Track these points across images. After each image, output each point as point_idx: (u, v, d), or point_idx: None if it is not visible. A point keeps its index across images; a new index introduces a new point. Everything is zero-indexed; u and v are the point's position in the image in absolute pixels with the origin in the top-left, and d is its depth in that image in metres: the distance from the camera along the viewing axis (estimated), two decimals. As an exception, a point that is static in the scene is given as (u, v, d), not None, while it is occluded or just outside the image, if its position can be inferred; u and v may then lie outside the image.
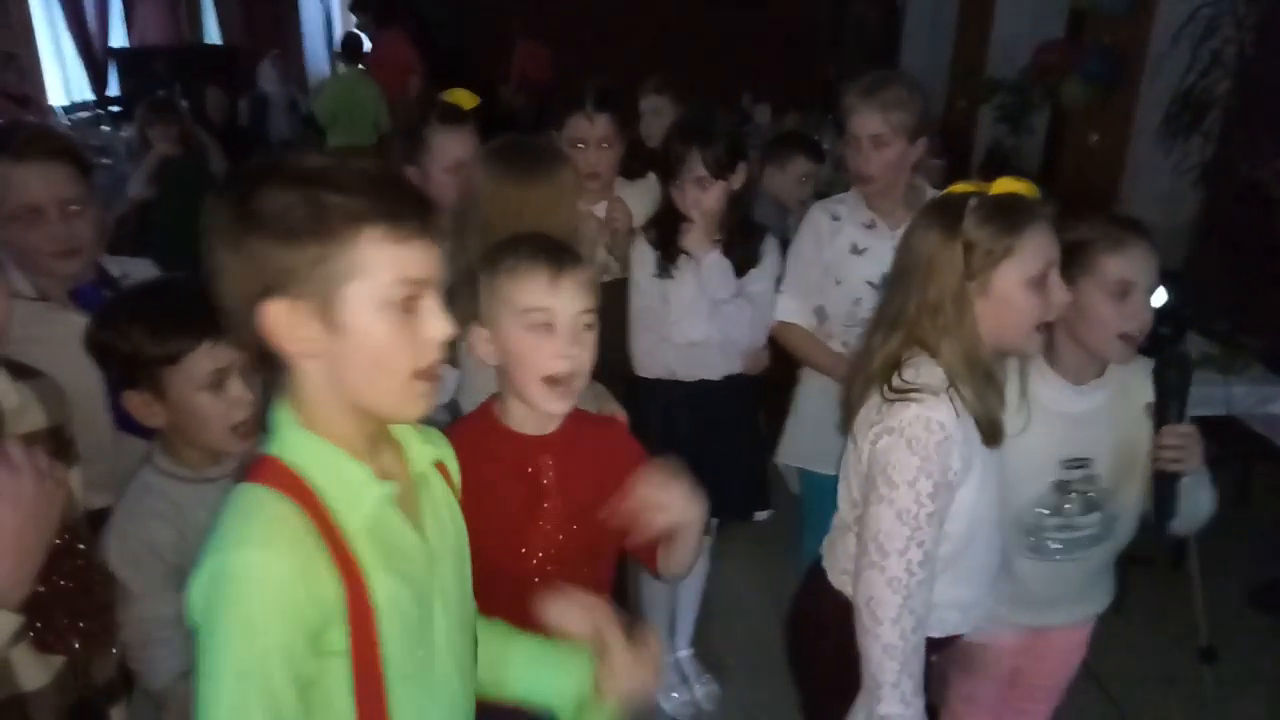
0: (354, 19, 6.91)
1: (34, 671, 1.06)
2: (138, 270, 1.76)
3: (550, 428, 1.35)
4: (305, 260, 0.83)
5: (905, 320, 1.41)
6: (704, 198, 2.08)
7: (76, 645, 1.12)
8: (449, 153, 2.02)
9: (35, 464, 1.00)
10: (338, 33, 8.84)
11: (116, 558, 1.25)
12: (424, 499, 1.02)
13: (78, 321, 1.43)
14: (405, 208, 0.86)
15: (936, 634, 1.44)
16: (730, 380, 2.26)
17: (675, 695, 2.55)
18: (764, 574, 2.94)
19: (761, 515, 2.39)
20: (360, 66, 6.01)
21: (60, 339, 1.40)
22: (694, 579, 2.47)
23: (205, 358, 1.25)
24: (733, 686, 2.60)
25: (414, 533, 0.97)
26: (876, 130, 2.00)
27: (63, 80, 7.47)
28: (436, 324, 0.89)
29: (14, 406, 1.08)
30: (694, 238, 2.12)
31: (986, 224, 1.36)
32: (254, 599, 0.83)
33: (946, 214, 1.40)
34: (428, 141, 2.04)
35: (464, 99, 2.06)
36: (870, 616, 1.36)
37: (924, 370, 1.37)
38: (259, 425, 1.23)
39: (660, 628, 2.43)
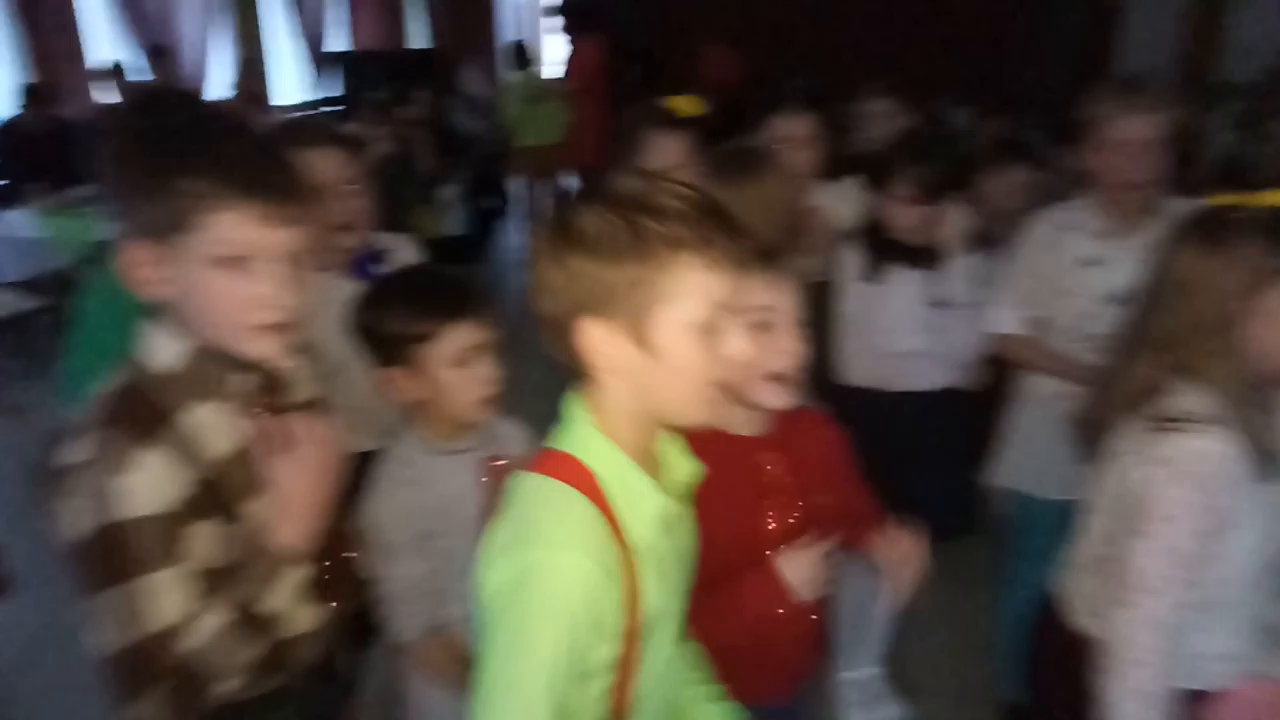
0: (543, 24, 7.18)
1: (304, 618, 1.13)
2: (398, 245, 1.90)
3: (764, 427, 1.35)
4: (623, 281, 0.86)
5: (1167, 342, 1.31)
6: (909, 215, 2.02)
7: (338, 596, 1.20)
8: (664, 157, 2.05)
9: (318, 432, 1.09)
10: (529, 38, 9.19)
11: (375, 520, 1.36)
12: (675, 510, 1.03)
13: (351, 289, 1.56)
14: (719, 235, 0.88)
15: (1198, 686, 1.33)
16: (942, 393, 2.17)
17: (862, 714, 2.48)
18: (962, 596, 2.81)
19: (965, 538, 2.28)
20: (534, 71, 6.24)
21: (338, 305, 1.52)
22: (887, 595, 2.40)
23: (457, 336, 1.34)
24: (923, 710, 2.50)
25: (673, 544, 0.99)
26: (1150, 134, 1.87)
27: (286, 81, 8.14)
28: (739, 344, 0.91)
29: (296, 379, 1.17)
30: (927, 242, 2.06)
31: (1259, 239, 1.25)
32: (564, 602, 0.86)
33: (1211, 228, 1.30)
34: (644, 145, 2.08)
35: (685, 105, 2.09)
36: (1120, 659, 1.26)
37: (1191, 397, 1.27)
38: (498, 400, 1.36)
39: (852, 644, 2.37)
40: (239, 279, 0.97)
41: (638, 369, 0.89)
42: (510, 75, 7.13)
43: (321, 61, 8.50)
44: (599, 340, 0.88)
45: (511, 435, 1.58)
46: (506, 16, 9.99)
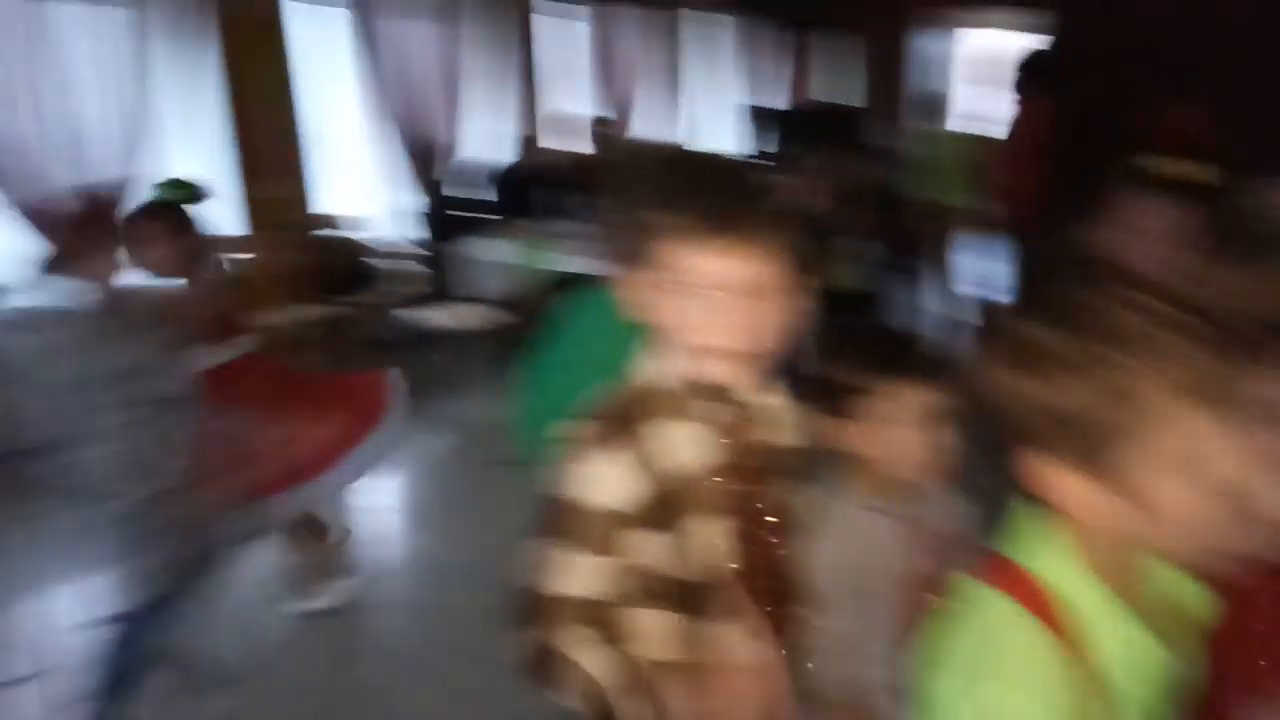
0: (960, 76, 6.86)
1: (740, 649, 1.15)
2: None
3: None
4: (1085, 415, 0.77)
5: None
6: None
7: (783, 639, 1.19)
8: (1147, 225, 1.86)
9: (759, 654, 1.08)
10: (950, 94, 8.84)
11: (819, 570, 1.35)
12: None
13: None
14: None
15: None
16: None
17: None
18: None
19: None
20: (945, 126, 5.96)
21: None
22: None
23: (910, 395, 1.32)
24: None
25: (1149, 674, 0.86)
26: None
27: (725, 138, 8.70)
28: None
29: (776, 419, 1.21)
30: None
31: None
32: None
33: None
34: (1123, 211, 1.89)
35: (1179, 168, 1.86)
36: None
37: None
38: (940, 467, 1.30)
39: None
40: (699, 307, 1.03)
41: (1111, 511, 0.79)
42: (921, 129, 6.95)
43: (761, 118, 8.97)
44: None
45: (948, 504, 1.50)
46: (917, 68, 9.74)
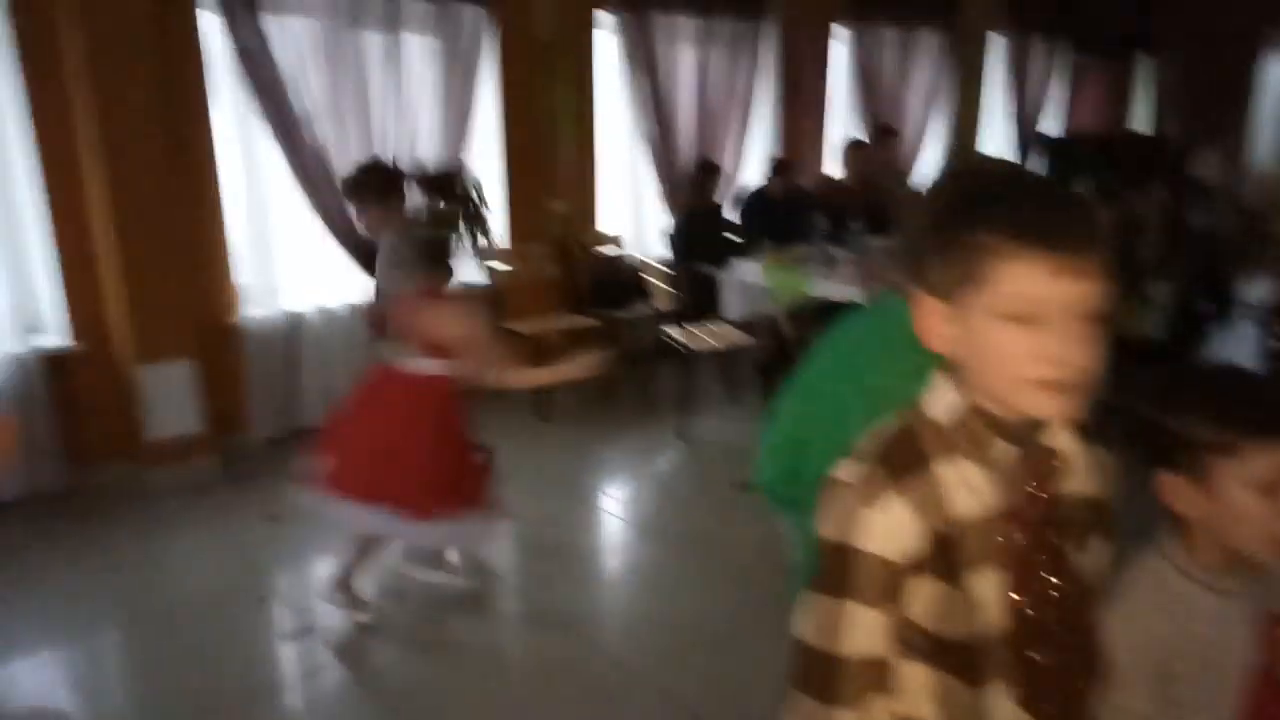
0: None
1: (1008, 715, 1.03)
2: None
3: None
4: None
5: None
6: None
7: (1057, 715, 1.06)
8: None
9: None
10: None
11: (1114, 639, 1.18)
12: None
13: None
14: None
15: None
16: None
17: None
18: None
19: None
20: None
21: None
22: None
23: (1267, 456, 1.11)
24: None
25: None
26: None
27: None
28: None
29: (1083, 464, 1.06)
30: None
31: None
32: None
33: None
34: None
35: None
36: None
37: None
38: None
39: None
40: (1027, 333, 0.91)
41: None
42: (1266, 164, 6.12)
43: (1031, 143, 8.40)
44: None
45: None
46: (1267, 101, 8.67)
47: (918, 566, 0.97)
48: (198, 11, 4.08)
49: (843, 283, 4.67)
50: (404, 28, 4.62)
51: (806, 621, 1.02)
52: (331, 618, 3.17)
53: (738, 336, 5.17)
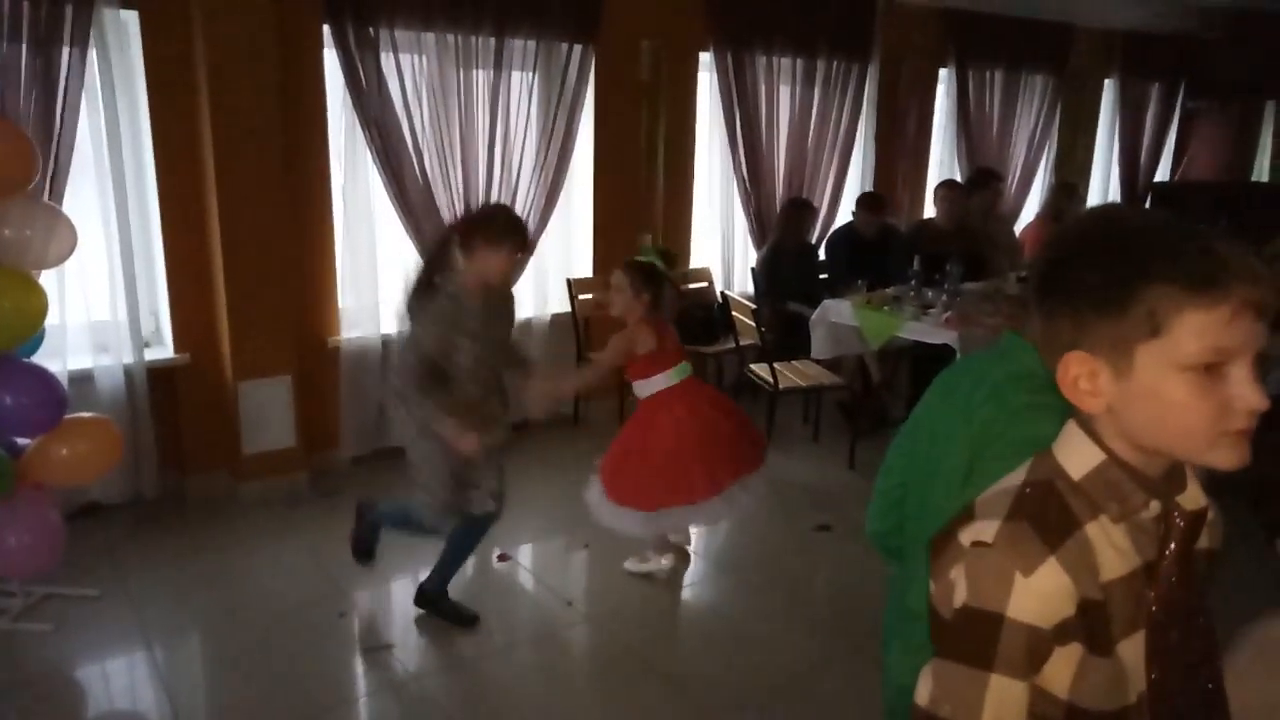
0: None
1: None
2: None
3: None
4: None
5: None
6: None
7: None
8: None
9: None
10: None
11: (1245, 704, 1.09)
12: None
13: None
14: None
15: None
16: None
17: None
18: None
19: None
20: None
21: None
22: None
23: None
24: None
25: None
26: None
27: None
28: None
29: (1212, 520, 1.01)
30: None
31: None
32: None
33: None
34: None
35: None
36: None
37: None
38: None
39: None
40: (1210, 383, 0.87)
41: None
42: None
43: (1138, 190, 8.09)
44: None
45: None
46: None
47: (1066, 635, 0.91)
48: (324, 51, 4.28)
49: (935, 326, 4.55)
50: (510, 67, 4.76)
51: (936, 691, 0.95)
52: (407, 634, 3.20)
53: (824, 376, 5.08)
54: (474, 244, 2.96)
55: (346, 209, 4.50)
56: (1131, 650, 0.94)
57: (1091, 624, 0.91)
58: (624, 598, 3.49)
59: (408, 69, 4.43)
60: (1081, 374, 0.92)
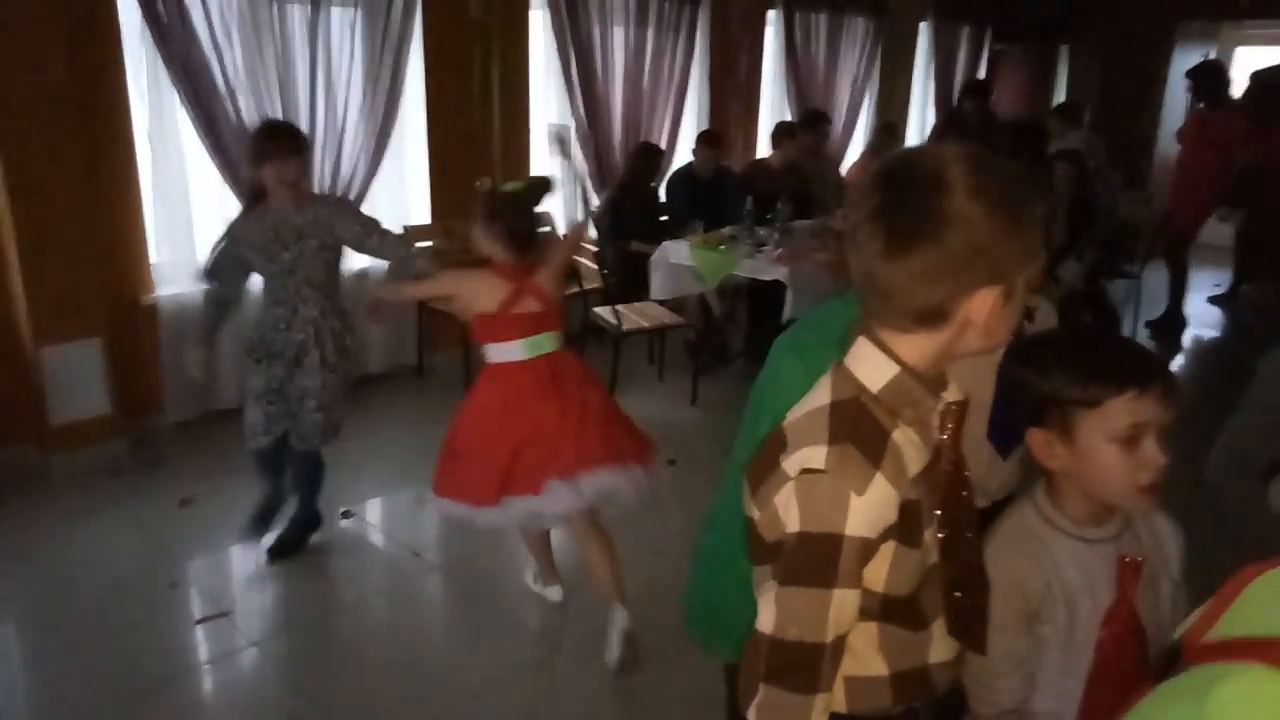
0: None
1: (944, 647, 1.14)
2: (1038, 304, 1.71)
3: None
4: None
5: None
6: None
7: (970, 637, 1.15)
8: None
9: None
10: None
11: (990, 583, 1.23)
12: None
13: None
14: None
15: None
16: None
17: None
18: None
19: None
20: None
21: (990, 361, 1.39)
22: None
23: (1126, 409, 1.16)
24: None
25: None
26: None
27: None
28: None
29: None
30: None
31: None
32: None
33: None
34: None
35: None
36: None
37: None
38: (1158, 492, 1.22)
39: None
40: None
41: None
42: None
43: (951, 126, 8.57)
44: None
45: (1166, 534, 1.33)
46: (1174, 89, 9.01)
47: (888, 536, 0.98)
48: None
49: (767, 262, 4.72)
50: (330, 2, 4.49)
51: (781, 617, 0.97)
52: (246, 600, 3.10)
53: (667, 316, 5.18)
54: (256, 165, 3.02)
55: (155, 156, 4.17)
56: (929, 534, 1.05)
57: (908, 521, 1.00)
58: (473, 546, 3.48)
59: (214, 3, 4.10)
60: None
